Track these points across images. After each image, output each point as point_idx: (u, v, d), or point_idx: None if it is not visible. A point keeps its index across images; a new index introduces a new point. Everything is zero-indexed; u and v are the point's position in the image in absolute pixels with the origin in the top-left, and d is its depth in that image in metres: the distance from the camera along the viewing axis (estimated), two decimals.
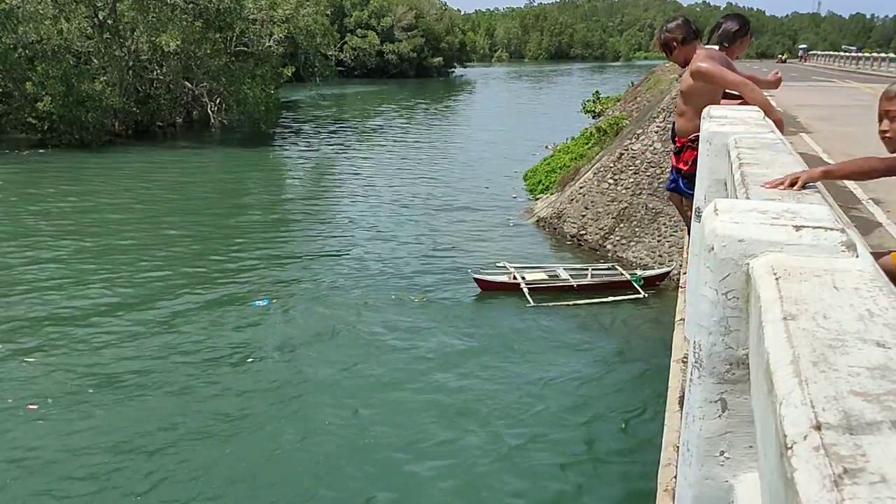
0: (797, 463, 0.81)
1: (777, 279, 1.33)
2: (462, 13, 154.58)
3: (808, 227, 1.48)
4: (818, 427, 0.85)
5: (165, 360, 10.94)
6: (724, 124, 3.45)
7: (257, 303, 13.23)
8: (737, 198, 2.28)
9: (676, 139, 5.34)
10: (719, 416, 1.58)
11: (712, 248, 1.52)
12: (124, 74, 33.74)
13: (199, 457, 8.48)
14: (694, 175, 4.97)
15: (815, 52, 75.50)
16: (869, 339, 1.08)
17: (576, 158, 23.43)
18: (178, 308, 13.00)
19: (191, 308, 13.05)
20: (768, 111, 4.24)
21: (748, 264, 1.48)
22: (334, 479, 8.16)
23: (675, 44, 5.10)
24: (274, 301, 13.29)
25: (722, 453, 1.60)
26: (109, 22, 33.88)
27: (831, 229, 1.47)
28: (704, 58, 4.72)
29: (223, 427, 9.15)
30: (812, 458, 0.80)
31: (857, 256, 1.43)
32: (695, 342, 1.64)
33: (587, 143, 24.54)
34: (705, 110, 3.93)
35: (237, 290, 14.02)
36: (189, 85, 37.42)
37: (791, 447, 0.84)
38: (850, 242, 1.44)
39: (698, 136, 4.92)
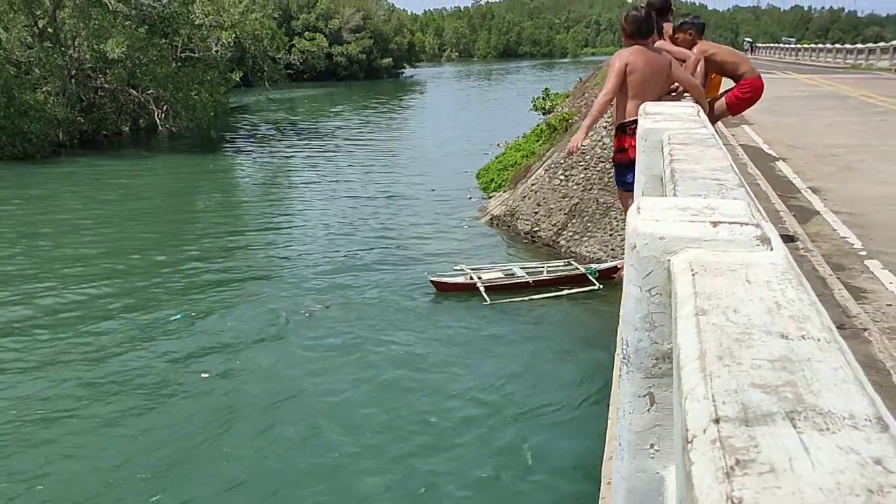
0: (695, 456, 0.83)
1: (694, 275, 1.37)
2: (410, 13, 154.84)
3: (724, 222, 1.52)
4: (717, 420, 0.88)
5: (88, 377, 10.66)
6: (658, 121, 3.51)
7: (178, 316, 12.87)
8: (666, 195, 2.33)
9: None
10: (648, 410, 1.62)
11: (635, 247, 1.56)
12: (67, 83, 33.05)
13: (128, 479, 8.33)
14: (619, 162, 5.23)
15: (763, 45, 77.15)
16: (774, 331, 1.11)
17: (527, 156, 23.57)
18: (110, 322, 12.69)
19: (126, 322, 12.71)
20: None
21: (669, 261, 1.52)
22: (274, 493, 8.03)
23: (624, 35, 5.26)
24: (191, 315, 12.88)
25: (652, 446, 1.64)
26: (50, 30, 33.14)
27: (747, 224, 1.51)
28: (620, 52, 5.02)
29: (150, 446, 8.95)
30: (708, 450, 0.83)
31: (772, 249, 1.47)
32: (623, 338, 1.68)
33: (538, 140, 24.71)
34: (641, 107, 4.00)
35: (177, 301, 13.75)
36: (135, 92, 36.79)
37: (692, 441, 0.87)
38: (764, 236, 1.48)
39: (621, 123, 5.16)
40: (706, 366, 1.02)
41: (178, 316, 12.87)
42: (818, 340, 1.08)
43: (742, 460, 0.79)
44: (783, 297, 1.24)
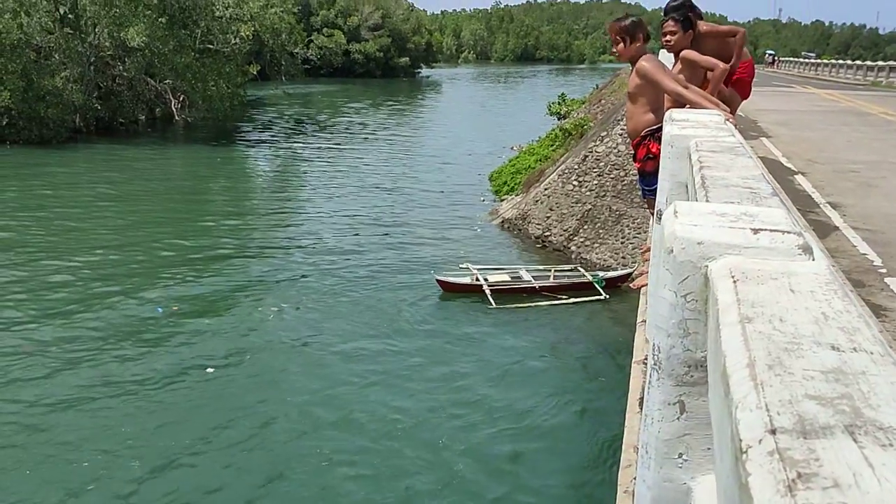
0: (752, 467, 0.80)
1: (735, 282, 1.33)
2: (429, 14, 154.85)
3: (765, 230, 1.48)
4: (773, 431, 0.84)
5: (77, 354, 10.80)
6: (685, 127, 3.47)
7: (158, 309, 12.71)
8: (697, 200, 2.29)
9: (631, 143, 5.42)
10: (678, 419, 1.58)
11: (671, 251, 1.52)
12: (86, 70, 33.23)
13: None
14: (648, 172, 5.09)
15: (784, 58, 76.70)
16: (823, 342, 1.08)
17: (541, 160, 23.55)
18: (112, 311, 12.72)
19: (119, 308, 12.80)
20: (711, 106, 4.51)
21: (707, 267, 1.48)
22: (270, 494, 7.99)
23: (626, 38, 5.10)
24: (176, 308, 12.76)
25: (680, 455, 1.60)
26: (71, 17, 33.31)
27: (788, 232, 1.47)
28: (648, 58, 4.94)
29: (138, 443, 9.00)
30: (766, 462, 0.79)
31: (814, 259, 1.44)
32: (654, 344, 1.64)
33: (552, 145, 24.69)
34: (667, 114, 3.96)
35: (175, 289, 13.82)
36: (152, 81, 36.92)
37: (746, 451, 0.84)
38: (806, 246, 1.45)
39: (648, 131, 5.06)
40: (756, 374, 0.98)
41: (159, 310, 12.76)
42: (871, 353, 1.04)
43: (804, 473, 0.76)
44: (830, 308, 1.21)
